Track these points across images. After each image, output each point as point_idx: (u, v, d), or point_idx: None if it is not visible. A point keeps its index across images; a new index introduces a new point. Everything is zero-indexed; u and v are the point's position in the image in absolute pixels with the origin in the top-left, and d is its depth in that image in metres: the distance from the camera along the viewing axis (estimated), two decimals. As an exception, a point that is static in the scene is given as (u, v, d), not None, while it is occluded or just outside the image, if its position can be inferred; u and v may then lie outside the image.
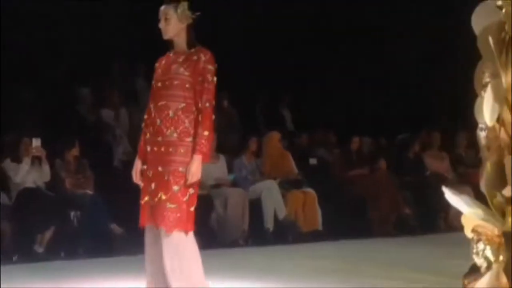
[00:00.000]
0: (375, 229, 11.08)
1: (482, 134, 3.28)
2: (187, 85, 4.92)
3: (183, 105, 4.91)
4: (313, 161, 11.90)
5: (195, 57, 4.97)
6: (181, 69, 4.96)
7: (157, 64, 5.15)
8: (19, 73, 11.63)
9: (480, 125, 3.29)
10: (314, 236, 10.52)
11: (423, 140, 12.71)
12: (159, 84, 5.02)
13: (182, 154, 4.88)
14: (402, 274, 7.23)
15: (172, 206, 4.83)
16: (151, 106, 5.04)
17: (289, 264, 8.24)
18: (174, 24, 5.00)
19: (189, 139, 4.89)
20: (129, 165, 5.58)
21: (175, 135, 4.90)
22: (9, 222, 8.74)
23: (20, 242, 8.75)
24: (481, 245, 3.17)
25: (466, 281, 3.22)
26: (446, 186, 3.29)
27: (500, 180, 3.12)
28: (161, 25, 5.03)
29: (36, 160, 9.13)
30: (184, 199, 4.86)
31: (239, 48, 13.58)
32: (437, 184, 9.27)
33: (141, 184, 5.03)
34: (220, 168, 10.52)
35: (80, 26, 12.58)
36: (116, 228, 9.22)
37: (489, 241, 3.16)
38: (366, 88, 14.16)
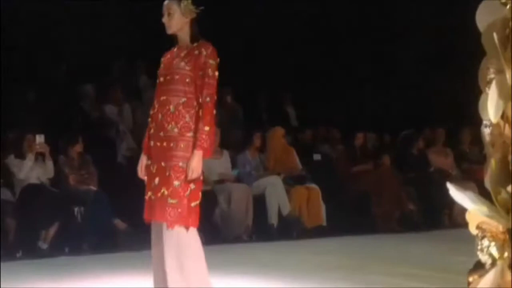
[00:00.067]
0: (379, 225, 11.06)
1: (486, 131, 3.27)
2: (187, 80, 4.87)
3: (184, 99, 4.86)
4: (317, 157, 11.89)
5: (196, 52, 4.92)
6: (182, 64, 4.92)
7: (162, 59, 5.12)
8: (22, 71, 11.66)
9: (485, 122, 3.28)
10: (318, 232, 10.50)
11: (427, 136, 12.69)
12: (161, 79, 5.00)
13: (183, 149, 4.83)
14: (406, 270, 7.22)
15: (173, 201, 4.79)
16: (155, 101, 5.03)
17: (293, 260, 8.25)
18: (177, 19, 4.96)
19: (190, 134, 4.84)
20: (132, 161, 5.59)
21: (175, 130, 4.85)
22: (13, 218, 8.75)
23: (24, 238, 8.76)
24: (485, 242, 3.16)
25: (470, 278, 3.21)
26: (450, 182, 3.27)
27: (504, 177, 3.11)
28: (165, 19, 4.99)
29: (40, 156, 9.16)
30: (185, 194, 4.81)
31: (243, 44, 13.59)
32: (441, 181, 9.26)
33: (145, 179, 5.00)
34: (224, 163, 10.51)
35: (81, 26, 12.61)
36: (120, 223, 9.23)
37: (493, 238, 3.15)
38: (370, 84, 14.15)
